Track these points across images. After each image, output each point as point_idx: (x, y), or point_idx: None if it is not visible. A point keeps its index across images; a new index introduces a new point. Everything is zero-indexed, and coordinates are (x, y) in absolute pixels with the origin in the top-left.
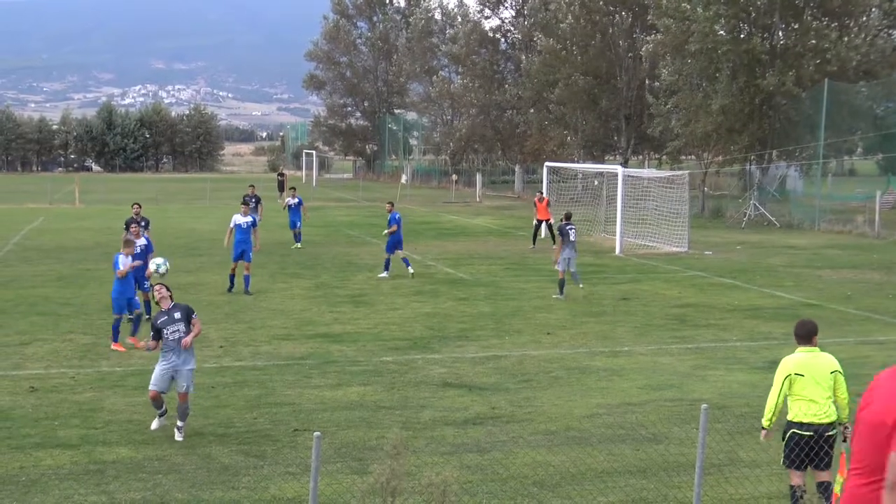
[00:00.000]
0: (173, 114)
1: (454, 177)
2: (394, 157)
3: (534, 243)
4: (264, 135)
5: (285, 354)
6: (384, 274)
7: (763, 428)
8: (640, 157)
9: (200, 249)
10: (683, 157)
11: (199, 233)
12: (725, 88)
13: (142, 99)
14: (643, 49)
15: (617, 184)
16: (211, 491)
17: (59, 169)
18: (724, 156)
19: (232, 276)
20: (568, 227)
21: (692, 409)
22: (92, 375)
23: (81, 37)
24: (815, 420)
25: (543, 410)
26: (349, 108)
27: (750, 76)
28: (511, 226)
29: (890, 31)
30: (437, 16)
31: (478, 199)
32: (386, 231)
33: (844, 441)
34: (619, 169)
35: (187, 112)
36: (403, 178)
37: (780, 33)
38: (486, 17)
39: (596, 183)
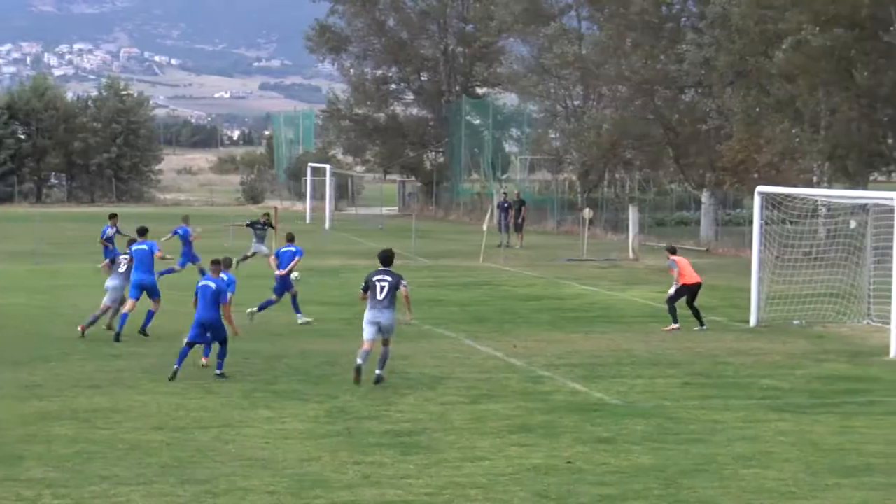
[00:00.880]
0: (69, 95)
1: (588, 212)
2: (474, 175)
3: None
4: (235, 135)
5: None
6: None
7: None
8: None
9: (116, 346)
10: None
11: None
12: None
13: (11, 69)
14: None
15: (893, 226)
16: None
17: None
18: None
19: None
20: None
21: None
22: None
23: None
24: None
25: None
26: (393, 87)
27: None
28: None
29: None
30: None
31: (632, 255)
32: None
33: None
34: None
35: (95, 92)
36: (486, 222)
37: None
38: None
39: (853, 224)
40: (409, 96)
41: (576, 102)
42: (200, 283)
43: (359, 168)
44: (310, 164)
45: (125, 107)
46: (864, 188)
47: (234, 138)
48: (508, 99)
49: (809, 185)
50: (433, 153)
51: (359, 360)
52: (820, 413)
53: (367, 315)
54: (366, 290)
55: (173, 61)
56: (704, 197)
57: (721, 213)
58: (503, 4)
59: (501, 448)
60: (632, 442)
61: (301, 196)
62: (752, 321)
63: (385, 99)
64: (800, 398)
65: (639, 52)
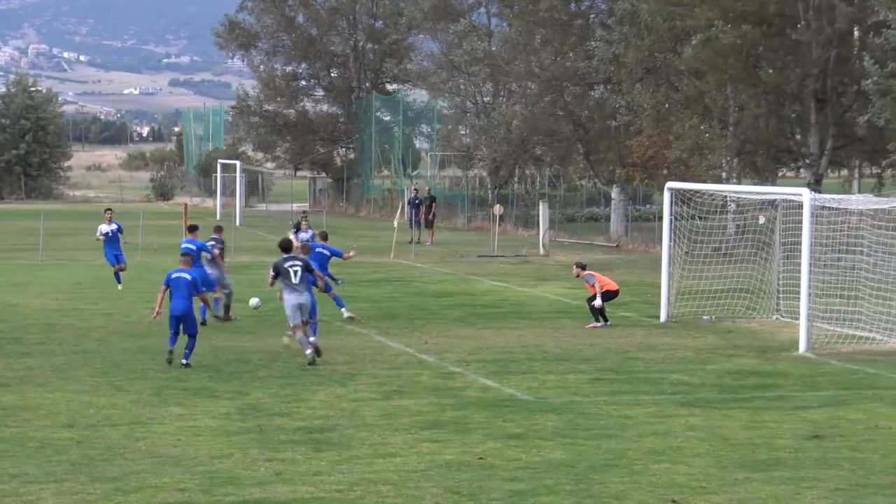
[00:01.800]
0: None
1: (498, 208)
2: (385, 172)
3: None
4: (145, 131)
5: None
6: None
7: None
8: (845, 171)
9: (26, 343)
10: None
11: (24, 312)
12: None
13: None
14: None
15: (801, 222)
16: None
17: None
18: None
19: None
20: None
21: None
22: None
23: None
24: None
25: None
26: (303, 83)
27: None
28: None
29: None
30: None
31: (542, 250)
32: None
33: None
34: (804, 194)
35: (3, 89)
36: (397, 218)
37: None
38: None
39: (762, 220)
40: (320, 92)
41: (486, 99)
42: (173, 275)
43: (269, 164)
44: (220, 160)
45: (34, 103)
46: (773, 184)
47: (144, 135)
48: (418, 95)
49: (718, 180)
50: (343, 149)
51: (309, 345)
52: (730, 408)
53: (289, 300)
54: (276, 276)
55: (82, 57)
56: (614, 193)
57: (631, 208)
58: (412, 1)
59: (413, 444)
60: (543, 437)
61: (211, 193)
62: (663, 317)
63: (295, 95)
64: (710, 393)
65: (548, 48)
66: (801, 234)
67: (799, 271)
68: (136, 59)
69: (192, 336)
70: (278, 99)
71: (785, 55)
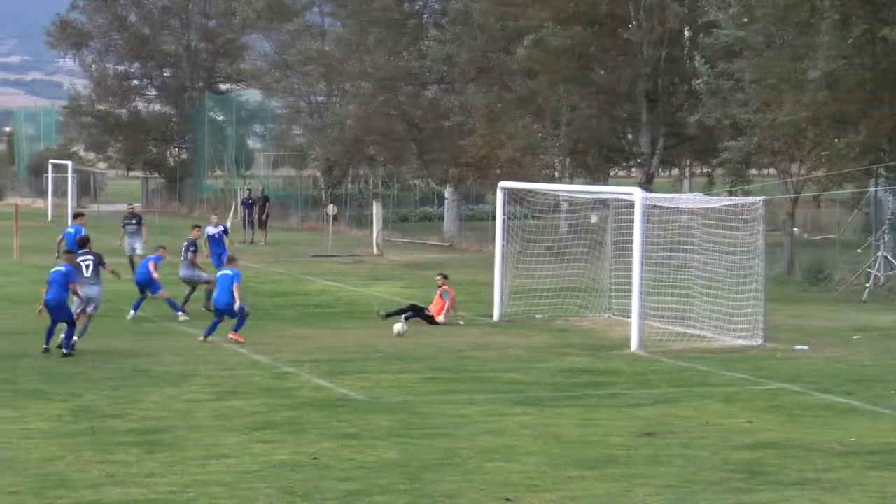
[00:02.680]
0: None
1: (332, 208)
2: (218, 171)
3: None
4: None
5: None
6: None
7: None
8: (676, 170)
9: None
10: (754, 172)
11: None
12: (831, 44)
13: None
14: None
15: (633, 221)
16: None
17: None
18: (828, 168)
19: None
20: None
21: None
22: None
23: None
24: None
25: None
26: (136, 83)
27: (873, 22)
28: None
29: None
30: None
31: (376, 250)
32: None
33: None
34: (636, 193)
35: None
36: (230, 218)
37: None
38: None
39: (594, 219)
40: (152, 92)
41: (319, 98)
42: (53, 269)
43: (101, 165)
44: (51, 160)
45: None
46: (605, 183)
47: None
48: (252, 95)
49: (551, 180)
50: (177, 149)
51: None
52: (563, 406)
53: (80, 291)
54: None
55: None
56: (447, 192)
57: (464, 208)
58: (245, 1)
59: (246, 445)
60: (377, 437)
61: (43, 193)
62: (496, 316)
63: (127, 95)
64: (543, 391)
65: (382, 48)
66: (632, 233)
67: (631, 270)
68: None
69: (69, 324)
70: (110, 99)
71: (616, 55)
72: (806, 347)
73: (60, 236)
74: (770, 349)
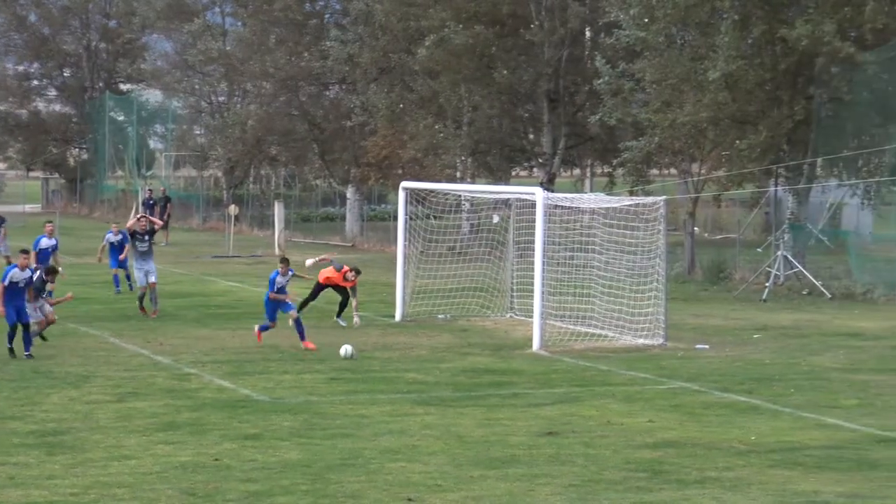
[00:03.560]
0: None
1: (233, 209)
2: (119, 172)
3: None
4: None
5: None
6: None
7: None
8: (577, 170)
9: None
10: (655, 172)
11: None
12: (731, 45)
13: None
14: None
15: (535, 221)
16: None
17: None
18: (729, 168)
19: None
20: None
21: None
22: None
23: None
24: None
25: None
26: (35, 83)
27: (773, 23)
28: (339, 299)
29: None
30: None
31: (278, 251)
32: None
33: None
34: (537, 193)
35: None
36: (131, 219)
37: None
38: None
39: (496, 219)
40: (52, 92)
41: (220, 99)
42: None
43: (1, 165)
44: None
45: None
46: (507, 183)
47: None
48: (152, 95)
49: (453, 180)
50: (77, 150)
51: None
52: (465, 406)
53: None
54: None
55: None
56: (349, 193)
57: (366, 208)
58: (146, 0)
59: (148, 446)
60: (279, 438)
61: None
62: (398, 316)
63: (27, 95)
64: (445, 391)
65: (283, 48)
66: (534, 233)
67: (532, 270)
68: None
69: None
70: (10, 99)
71: (518, 55)
72: (707, 346)
73: None
74: (671, 348)
